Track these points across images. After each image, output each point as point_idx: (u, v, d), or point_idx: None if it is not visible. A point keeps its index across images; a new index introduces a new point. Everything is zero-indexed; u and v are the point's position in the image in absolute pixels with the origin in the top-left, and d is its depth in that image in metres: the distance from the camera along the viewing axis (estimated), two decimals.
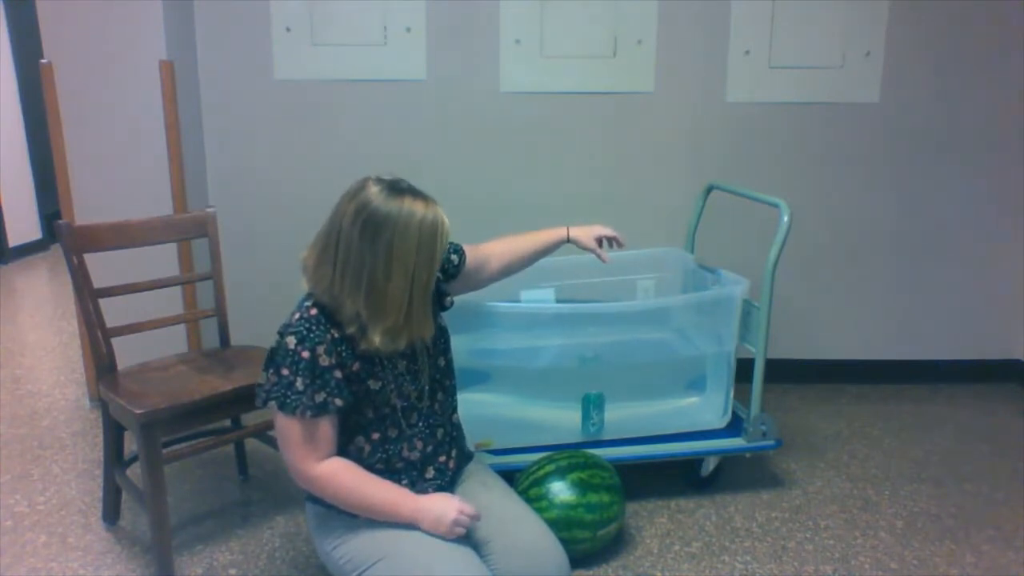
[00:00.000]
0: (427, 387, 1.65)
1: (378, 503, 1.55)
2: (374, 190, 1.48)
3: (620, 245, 2.09)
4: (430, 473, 1.66)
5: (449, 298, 1.78)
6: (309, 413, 1.50)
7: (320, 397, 1.51)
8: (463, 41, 2.88)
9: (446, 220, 1.51)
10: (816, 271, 3.08)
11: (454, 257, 1.82)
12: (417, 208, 1.47)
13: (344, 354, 1.54)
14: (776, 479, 2.44)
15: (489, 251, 1.92)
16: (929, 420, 2.88)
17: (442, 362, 1.71)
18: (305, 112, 2.94)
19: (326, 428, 1.53)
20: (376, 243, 1.45)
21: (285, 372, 1.50)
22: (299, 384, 1.49)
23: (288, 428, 1.52)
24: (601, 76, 2.90)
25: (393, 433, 1.61)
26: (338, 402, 1.53)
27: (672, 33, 2.87)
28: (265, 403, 1.52)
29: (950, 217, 3.04)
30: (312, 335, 1.51)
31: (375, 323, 1.49)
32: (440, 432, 1.69)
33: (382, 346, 1.50)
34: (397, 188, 1.49)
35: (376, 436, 1.61)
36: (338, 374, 1.53)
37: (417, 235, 1.46)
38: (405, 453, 1.63)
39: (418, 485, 1.63)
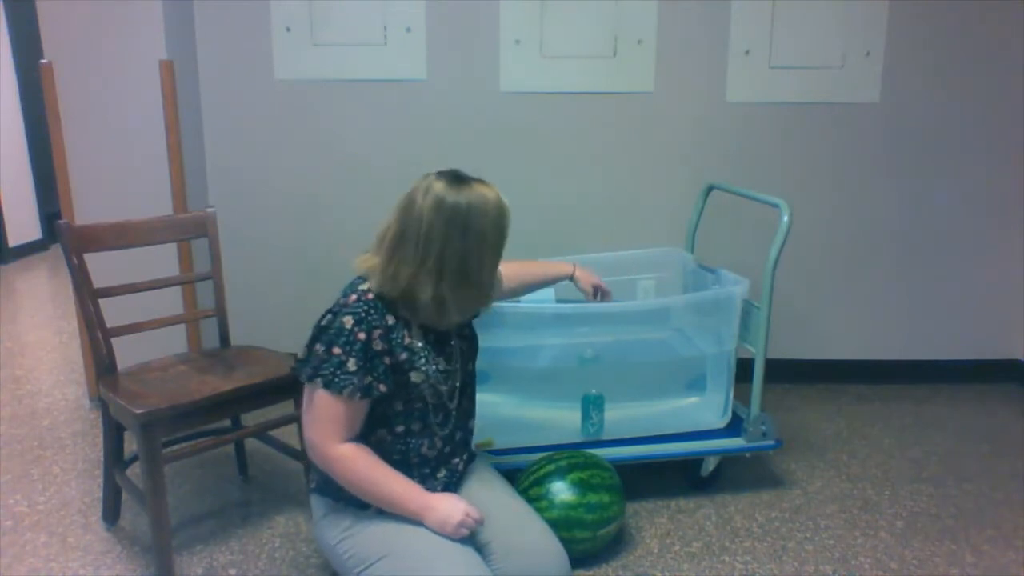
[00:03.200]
0: (458, 388, 1.69)
1: (388, 493, 1.57)
2: (441, 185, 1.53)
3: (607, 299, 2.17)
4: (442, 472, 1.69)
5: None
6: (359, 395, 1.52)
7: (367, 380, 1.53)
8: (463, 41, 2.88)
9: (505, 198, 1.59)
10: (816, 271, 3.08)
11: None
12: (488, 194, 1.56)
13: (394, 343, 1.57)
14: (776, 479, 2.44)
15: (502, 270, 1.94)
16: (929, 420, 2.89)
17: (470, 367, 1.76)
18: (305, 112, 2.94)
19: (361, 412, 1.57)
20: (466, 232, 1.52)
21: (337, 351, 1.52)
22: (351, 365, 1.51)
23: (326, 405, 1.53)
24: (601, 76, 2.90)
25: (416, 427, 1.64)
26: (383, 388, 1.56)
27: (672, 33, 2.87)
28: (311, 379, 1.54)
29: (950, 217, 3.04)
30: (370, 318, 1.54)
31: (459, 301, 1.56)
32: (458, 435, 1.72)
33: (457, 316, 1.58)
34: (461, 178, 1.57)
35: (400, 429, 1.63)
36: (387, 360, 1.56)
37: (495, 217, 1.56)
38: (424, 450, 1.65)
39: (428, 482, 1.65)
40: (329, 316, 1.55)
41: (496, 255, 1.60)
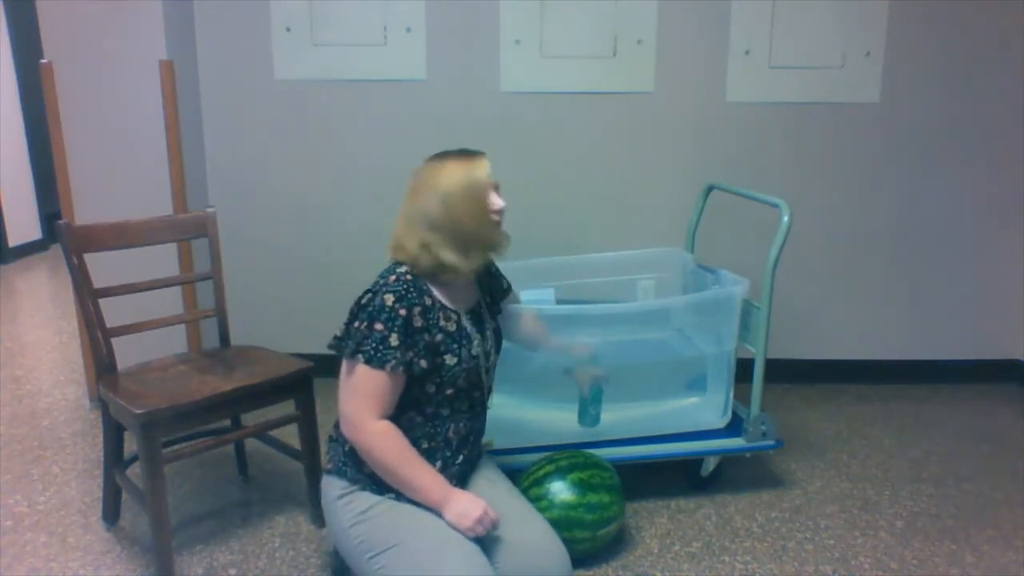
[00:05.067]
0: (485, 374, 1.75)
1: (413, 477, 1.59)
2: (428, 160, 1.70)
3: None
4: (460, 458, 1.72)
5: (499, 308, 1.94)
6: (401, 368, 1.56)
7: (408, 355, 1.58)
8: (463, 41, 2.88)
9: (480, 171, 1.68)
10: (816, 271, 3.08)
11: (504, 282, 1.97)
12: (452, 163, 1.67)
13: (431, 322, 1.62)
14: (776, 479, 2.44)
15: (527, 313, 2.02)
16: (929, 420, 2.88)
17: (495, 360, 1.82)
18: (305, 112, 2.94)
19: (399, 387, 1.60)
20: (435, 190, 1.64)
21: (379, 327, 1.56)
22: (393, 340, 1.56)
23: (367, 380, 1.57)
24: (601, 76, 2.90)
25: (445, 412, 1.68)
26: (423, 364, 1.60)
27: (672, 33, 2.87)
28: (353, 354, 1.57)
29: (950, 217, 3.04)
30: (410, 295, 1.60)
31: (465, 254, 1.65)
32: (476, 424, 1.78)
33: (461, 265, 1.65)
34: (442, 153, 1.70)
35: (429, 410, 1.66)
36: (427, 337, 1.61)
37: (459, 177, 1.65)
38: (450, 434, 1.69)
39: (448, 465, 1.69)
40: (369, 295, 1.60)
41: (473, 208, 1.65)
